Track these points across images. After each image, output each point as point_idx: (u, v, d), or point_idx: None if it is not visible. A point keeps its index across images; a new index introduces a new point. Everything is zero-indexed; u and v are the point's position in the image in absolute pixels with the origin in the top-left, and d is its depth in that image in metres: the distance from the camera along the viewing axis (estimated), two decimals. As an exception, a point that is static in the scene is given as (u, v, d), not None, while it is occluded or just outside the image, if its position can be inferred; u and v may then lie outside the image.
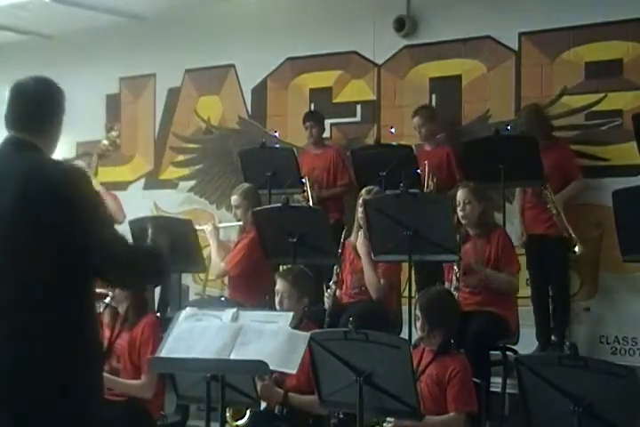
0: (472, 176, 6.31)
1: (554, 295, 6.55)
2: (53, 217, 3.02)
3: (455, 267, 5.64)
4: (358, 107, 7.90)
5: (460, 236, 5.70)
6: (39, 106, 3.17)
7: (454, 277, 5.63)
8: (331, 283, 6.01)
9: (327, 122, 7.82)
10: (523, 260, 6.29)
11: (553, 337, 6.48)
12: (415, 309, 4.68)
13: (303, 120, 7.69)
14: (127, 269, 3.15)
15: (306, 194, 7.25)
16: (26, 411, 3.02)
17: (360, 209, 6.01)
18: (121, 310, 4.96)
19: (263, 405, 4.65)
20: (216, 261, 6.67)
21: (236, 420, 4.81)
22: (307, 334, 3.91)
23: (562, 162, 6.53)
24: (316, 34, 8.00)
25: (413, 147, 6.97)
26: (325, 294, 5.97)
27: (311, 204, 7.09)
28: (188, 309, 3.94)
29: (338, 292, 6.04)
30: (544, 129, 6.63)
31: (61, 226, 3.02)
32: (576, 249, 6.26)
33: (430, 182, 6.81)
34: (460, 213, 5.78)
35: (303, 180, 7.23)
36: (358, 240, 6.02)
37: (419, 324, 4.56)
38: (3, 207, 3.04)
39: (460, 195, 5.81)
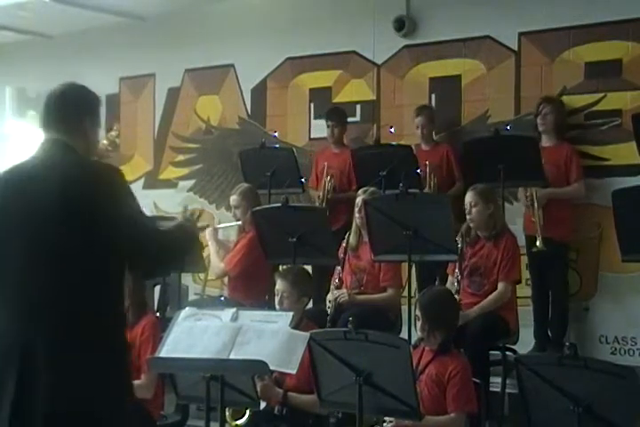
0: (472, 176, 6.31)
1: (553, 295, 6.54)
2: (90, 212, 3.07)
3: (457, 270, 5.64)
4: (358, 107, 7.89)
5: (470, 238, 5.69)
6: (73, 108, 3.30)
7: (455, 281, 5.63)
8: (332, 286, 6.01)
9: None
10: (524, 259, 6.30)
11: (551, 336, 6.47)
12: (415, 309, 4.68)
13: (325, 117, 7.58)
14: (158, 264, 3.25)
15: (323, 193, 7.23)
16: (63, 410, 3.01)
17: (357, 209, 6.01)
18: (121, 309, 4.95)
19: (263, 405, 4.65)
20: (215, 261, 6.68)
21: (236, 420, 4.81)
22: (306, 334, 3.91)
23: (567, 162, 6.52)
24: (315, 34, 7.99)
25: (413, 147, 6.98)
26: (328, 296, 5.96)
27: (324, 204, 7.08)
28: (187, 309, 3.94)
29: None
30: (565, 123, 6.64)
31: (98, 220, 3.08)
32: (537, 244, 6.24)
33: (431, 183, 6.82)
34: (467, 217, 5.76)
35: (306, 179, 7.23)
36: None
37: (419, 324, 4.56)
38: (44, 204, 3.08)
39: (467, 197, 5.77)
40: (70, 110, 3.28)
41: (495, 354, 5.66)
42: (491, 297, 5.61)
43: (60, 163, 3.17)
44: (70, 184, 3.10)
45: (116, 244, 3.10)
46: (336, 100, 8.00)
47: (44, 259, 3.08)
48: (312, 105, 8.15)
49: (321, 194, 7.25)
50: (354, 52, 7.89)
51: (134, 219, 3.16)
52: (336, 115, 7.54)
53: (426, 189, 6.72)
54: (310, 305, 5.90)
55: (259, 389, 4.53)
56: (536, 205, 6.31)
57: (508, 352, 5.67)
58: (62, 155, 3.19)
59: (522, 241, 6.31)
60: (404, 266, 5.89)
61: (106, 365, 3.07)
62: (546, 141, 6.61)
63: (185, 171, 8.90)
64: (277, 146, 7.91)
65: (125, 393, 3.17)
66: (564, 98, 6.83)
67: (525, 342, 6.15)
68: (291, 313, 4.03)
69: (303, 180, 7.22)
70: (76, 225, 3.06)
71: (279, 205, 5.96)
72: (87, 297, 3.07)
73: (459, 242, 5.60)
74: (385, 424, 4.25)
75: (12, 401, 2.99)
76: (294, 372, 3.78)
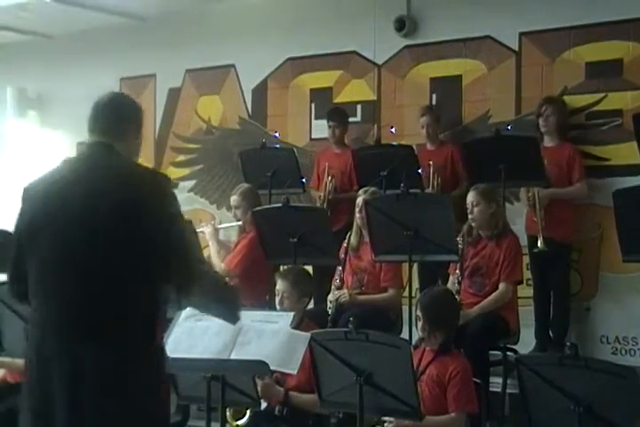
0: (473, 176, 6.31)
1: (555, 295, 6.54)
2: (142, 224, 3.11)
3: (457, 271, 5.63)
4: (358, 107, 7.89)
5: (472, 238, 5.69)
6: (119, 116, 3.35)
7: (456, 281, 5.63)
8: (333, 286, 6.01)
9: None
10: (525, 259, 6.30)
11: (552, 336, 6.47)
12: (416, 309, 4.68)
13: (327, 118, 7.59)
14: (201, 294, 3.26)
15: (324, 193, 7.23)
16: (114, 411, 3.03)
17: (357, 209, 6.01)
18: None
19: (263, 405, 4.65)
20: (216, 261, 6.67)
21: (237, 420, 4.81)
22: (307, 335, 3.91)
23: (569, 162, 6.51)
24: (316, 34, 7.99)
25: (414, 146, 6.97)
26: (329, 297, 5.96)
27: (325, 204, 7.08)
28: (188, 309, 3.94)
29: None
30: (567, 124, 6.64)
31: (149, 233, 3.11)
32: (538, 244, 6.24)
33: (435, 183, 6.81)
34: (469, 216, 5.75)
35: (307, 179, 7.23)
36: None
37: (419, 324, 4.56)
38: (97, 207, 3.11)
39: (469, 197, 5.76)
40: (116, 118, 3.34)
41: (496, 354, 5.66)
42: (491, 297, 5.61)
43: (108, 164, 3.24)
44: (121, 185, 3.16)
45: (158, 253, 3.12)
46: (337, 100, 8.00)
47: (89, 257, 3.09)
48: (313, 105, 8.15)
49: (322, 194, 7.25)
50: (354, 53, 7.89)
51: (183, 233, 3.21)
52: (337, 115, 7.53)
53: (429, 190, 6.73)
54: (311, 305, 5.91)
55: (260, 388, 4.53)
56: (538, 205, 6.31)
57: (508, 352, 5.66)
58: (109, 156, 3.26)
59: (523, 241, 6.32)
60: (405, 266, 5.89)
61: (150, 367, 3.13)
62: (548, 142, 6.61)
63: (186, 171, 8.90)
64: (278, 146, 7.91)
65: (168, 394, 3.27)
66: (565, 98, 6.82)
67: (526, 343, 6.15)
68: (291, 313, 4.04)
69: (304, 180, 7.22)
70: (120, 225, 3.09)
71: (280, 205, 5.96)
72: (129, 299, 3.11)
73: (460, 242, 5.60)
74: (385, 424, 4.25)
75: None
76: (295, 372, 3.78)
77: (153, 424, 3.17)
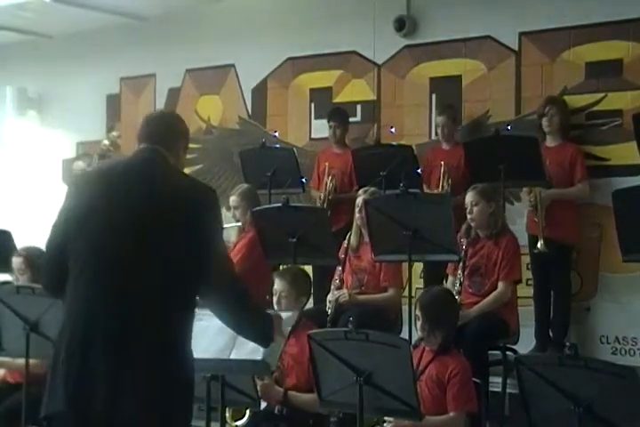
0: (473, 176, 6.31)
1: (555, 295, 6.54)
2: (185, 230, 3.15)
3: (459, 271, 5.63)
4: (358, 107, 7.89)
5: (470, 238, 5.69)
6: (171, 129, 3.46)
7: (458, 282, 5.62)
8: (332, 286, 6.00)
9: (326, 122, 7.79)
10: (525, 259, 6.30)
11: (552, 336, 6.47)
12: (415, 309, 4.68)
13: (327, 118, 7.58)
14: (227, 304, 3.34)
15: (325, 193, 7.22)
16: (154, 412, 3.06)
17: (357, 209, 6.01)
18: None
19: (263, 405, 4.65)
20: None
21: (236, 420, 4.81)
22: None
23: (571, 162, 6.51)
24: (316, 34, 8.00)
25: (414, 146, 6.98)
26: (328, 297, 5.96)
27: (325, 204, 7.08)
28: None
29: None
30: (569, 124, 6.64)
31: (189, 241, 3.16)
32: (538, 245, 6.24)
33: (445, 184, 6.79)
34: (468, 216, 5.75)
35: (307, 179, 7.22)
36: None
37: (419, 324, 4.56)
38: (155, 210, 3.18)
39: (468, 197, 5.75)
40: (168, 130, 3.44)
41: (496, 354, 5.66)
42: (490, 297, 5.60)
43: (166, 170, 3.33)
44: (179, 192, 3.23)
45: (192, 270, 3.16)
46: (337, 100, 8.00)
47: (125, 254, 3.12)
48: (313, 105, 8.16)
49: (322, 194, 7.25)
50: (354, 52, 7.90)
51: (220, 258, 3.32)
52: (338, 115, 7.53)
53: (438, 190, 6.72)
54: (310, 305, 5.91)
55: (259, 388, 4.53)
56: (539, 206, 6.31)
57: (508, 352, 5.66)
58: (165, 163, 3.34)
59: (524, 240, 6.32)
60: (405, 266, 5.89)
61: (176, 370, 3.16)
62: (550, 142, 6.61)
63: (186, 171, 8.86)
64: (278, 146, 7.91)
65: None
66: (565, 98, 6.82)
67: (526, 342, 6.15)
68: (291, 313, 4.03)
69: (304, 180, 7.22)
70: (173, 232, 3.14)
71: (279, 205, 5.96)
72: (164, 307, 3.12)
73: (463, 242, 5.60)
74: (385, 424, 4.25)
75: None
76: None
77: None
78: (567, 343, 3.59)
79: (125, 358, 3.04)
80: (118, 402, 3.00)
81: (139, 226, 3.13)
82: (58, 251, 3.20)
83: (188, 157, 8.79)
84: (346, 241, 6.09)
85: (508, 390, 5.57)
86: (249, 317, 3.39)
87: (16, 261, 5.89)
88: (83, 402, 3.02)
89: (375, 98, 7.82)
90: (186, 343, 3.18)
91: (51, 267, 3.27)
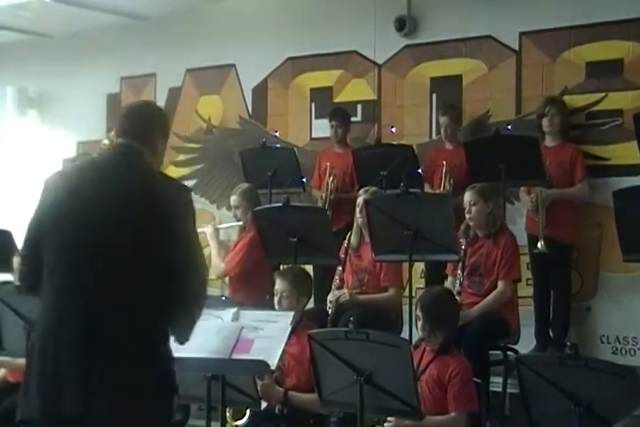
0: (473, 176, 6.30)
1: (555, 295, 6.54)
2: (157, 229, 3.12)
3: (459, 271, 5.63)
4: (359, 106, 7.89)
5: (469, 237, 5.69)
6: (147, 120, 3.39)
7: (458, 282, 5.62)
8: (333, 286, 6.00)
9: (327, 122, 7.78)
10: (525, 259, 6.30)
11: (552, 336, 6.47)
12: (416, 308, 4.68)
13: (329, 118, 7.57)
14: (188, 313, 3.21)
15: (326, 193, 7.21)
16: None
17: (358, 209, 6.01)
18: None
19: (263, 404, 4.65)
20: (216, 261, 6.67)
21: (237, 420, 4.81)
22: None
23: (572, 162, 6.51)
24: (316, 33, 8.00)
25: (414, 146, 6.98)
26: (329, 297, 5.96)
27: (326, 204, 7.08)
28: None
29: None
30: (569, 124, 6.64)
31: (161, 243, 3.11)
32: (538, 246, 6.24)
33: (447, 184, 6.79)
34: (466, 216, 5.75)
35: (307, 179, 7.22)
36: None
37: (420, 324, 4.56)
38: (122, 213, 3.13)
39: (466, 196, 5.75)
40: (147, 124, 3.37)
41: (496, 354, 5.66)
42: (490, 296, 5.60)
43: (136, 170, 3.26)
44: (147, 195, 3.18)
45: (165, 258, 3.11)
46: (337, 99, 8.00)
47: (93, 255, 3.09)
48: (313, 105, 8.16)
49: (324, 194, 7.24)
50: (355, 52, 7.89)
51: (191, 245, 3.20)
52: (340, 115, 7.52)
53: (440, 190, 6.72)
54: (311, 305, 5.90)
55: (259, 388, 4.53)
56: (540, 206, 6.31)
57: (509, 352, 5.66)
58: (136, 159, 3.28)
59: (524, 240, 6.32)
60: (406, 266, 5.89)
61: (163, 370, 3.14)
62: (550, 142, 6.61)
63: (186, 171, 8.90)
64: (278, 146, 7.91)
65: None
66: (565, 98, 6.82)
67: (527, 342, 6.15)
68: (291, 313, 4.03)
69: (304, 179, 7.22)
70: (132, 226, 3.10)
71: (280, 204, 5.96)
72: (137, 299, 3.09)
73: (463, 242, 5.60)
74: (386, 424, 4.25)
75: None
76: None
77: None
78: (567, 343, 3.60)
79: (95, 356, 3.02)
80: (89, 402, 2.98)
81: (110, 224, 3.11)
82: (33, 246, 3.21)
83: (189, 157, 8.90)
84: (346, 241, 6.08)
85: (509, 390, 5.57)
86: (189, 320, 3.25)
87: (17, 261, 5.90)
88: (55, 406, 3.01)
89: (375, 98, 7.82)
90: (159, 343, 3.14)
91: (26, 263, 3.28)
